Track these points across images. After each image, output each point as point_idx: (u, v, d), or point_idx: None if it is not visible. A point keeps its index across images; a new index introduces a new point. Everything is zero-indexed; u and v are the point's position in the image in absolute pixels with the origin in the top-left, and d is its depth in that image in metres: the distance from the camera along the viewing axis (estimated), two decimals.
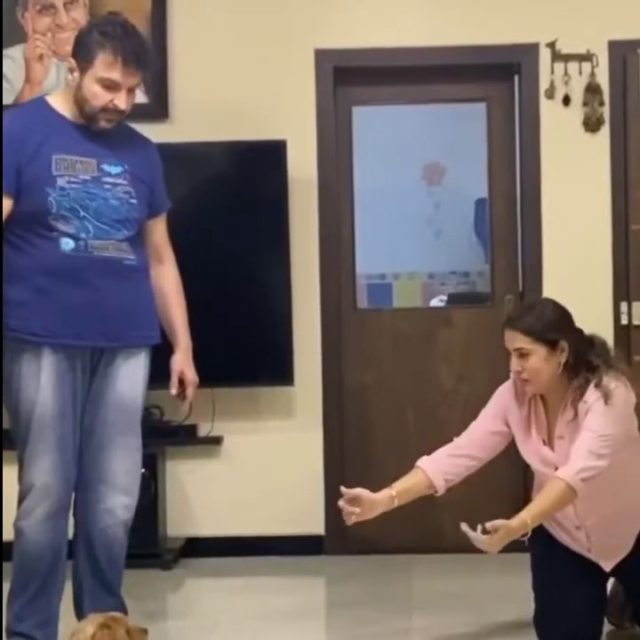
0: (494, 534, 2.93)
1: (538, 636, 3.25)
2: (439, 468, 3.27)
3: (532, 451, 3.25)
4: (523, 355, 3.17)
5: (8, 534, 3.31)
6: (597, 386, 3.11)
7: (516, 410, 3.28)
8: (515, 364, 3.21)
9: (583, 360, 3.16)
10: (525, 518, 3.00)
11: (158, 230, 3.44)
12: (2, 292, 3.12)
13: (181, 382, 3.43)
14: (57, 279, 3.16)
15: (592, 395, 3.10)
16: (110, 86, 3.18)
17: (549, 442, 3.22)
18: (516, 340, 3.19)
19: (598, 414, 3.07)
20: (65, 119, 3.24)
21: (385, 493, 3.24)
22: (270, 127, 4.78)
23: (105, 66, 3.16)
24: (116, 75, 3.17)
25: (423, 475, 3.27)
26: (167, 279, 3.44)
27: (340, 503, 3.20)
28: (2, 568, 3.33)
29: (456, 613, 3.86)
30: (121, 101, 3.20)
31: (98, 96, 3.18)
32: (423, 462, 3.29)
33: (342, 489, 3.21)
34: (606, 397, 3.08)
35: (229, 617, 4.00)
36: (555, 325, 3.19)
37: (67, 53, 4.72)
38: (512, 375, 3.29)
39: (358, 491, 3.21)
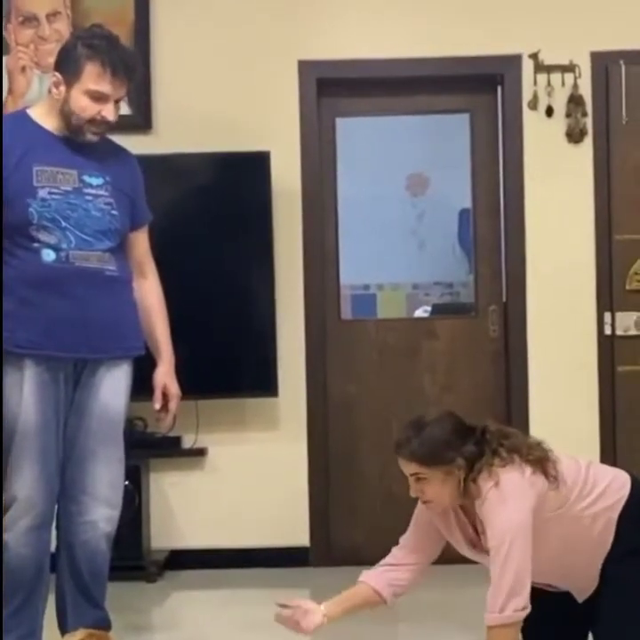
0: None
1: None
2: (382, 577, 3.13)
3: (468, 553, 3.18)
4: (419, 479, 2.98)
5: None
6: (467, 497, 2.94)
7: (440, 520, 3.10)
8: (413, 489, 3.01)
9: (479, 459, 2.96)
10: None
11: (140, 243, 3.44)
12: (1, 303, 3.12)
13: (164, 396, 3.42)
14: (39, 290, 3.16)
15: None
16: (99, 98, 3.18)
17: (478, 535, 3.13)
18: (408, 467, 2.99)
19: (487, 533, 2.92)
20: (46, 131, 3.23)
21: (317, 614, 3.06)
22: (254, 138, 4.79)
23: (94, 78, 3.16)
24: (105, 87, 3.18)
25: (367, 587, 3.12)
26: (149, 293, 3.43)
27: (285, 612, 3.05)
28: (1, 577, 3.31)
29: (442, 624, 3.86)
30: (109, 113, 3.21)
31: (86, 108, 3.18)
32: (364, 576, 3.15)
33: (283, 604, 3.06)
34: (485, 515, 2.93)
35: (214, 629, 3.99)
36: (446, 446, 2.95)
37: (49, 65, 4.73)
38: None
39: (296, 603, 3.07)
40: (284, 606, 3.07)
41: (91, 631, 2.76)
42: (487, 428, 3.03)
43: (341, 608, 3.13)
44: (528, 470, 2.95)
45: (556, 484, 2.97)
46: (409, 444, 2.99)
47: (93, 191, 3.23)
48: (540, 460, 2.98)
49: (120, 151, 3.41)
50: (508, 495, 2.91)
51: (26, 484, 3.16)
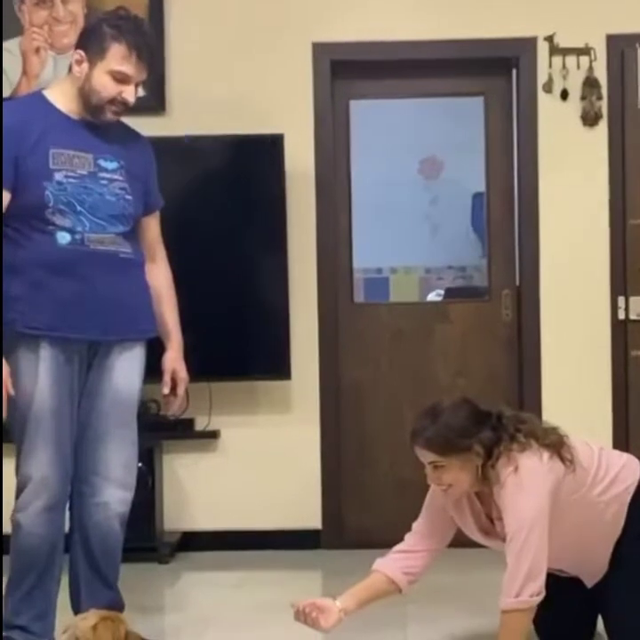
0: None
1: (537, 633, 3.25)
2: (396, 565, 3.14)
3: (479, 539, 3.17)
4: (437, 467, 2.98)
5: (7, 527, 3.31)
6: (485, 483, 2.96)
7: (453, 507, 3.12)
8: (431, 477, 3.02)
9: (496, 444, 2.98)
10: None
11: (151, 228, 3.44)
12: (1, 284, 3.12)
13: (173, 380, 3.43)
14: (53, 273, 3.16)
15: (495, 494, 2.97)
16: (121, 79, 3.19)
17: (491, 522, 3.09)
18: (425, 455, 2.99)
19: (505, 518, 2.93)
20: (62, 114, 3.23)
21: (333, 611, 3.06)
22: (267, 121, 4.78)
23: (118, 58, 3.17)
24: (128, 68, 3.18)
25: (381, 576, 3.13)
26: (159, 278, 3.43)
27: (303, 609, 3.04)
28: (1, 561, 3.33)
29: (452, 606, 3.87)
30: (129, 94, 3.21)
31: (107, 88, 3.18)
32: (378, 564, 3.17)
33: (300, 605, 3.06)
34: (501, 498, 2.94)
35: (226, 611, 4.00)
36: (463, 432, 2.94)
37: (64, 46, 4.77)
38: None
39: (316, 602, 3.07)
40: (298, 609, 3.07)
41: (104, 612, 2.76)
42: (502, 412, 3.03)
43: (357, 600, 3.13)
44: (546, 455, 2.95)
45: (572, 468, 2.97)
46: (425, 432, 2.98)
47: (108, 175, 3.24)
48: (557, 445, 2.99)
49: (134, 135, 3.40)
50: (527, 481, 2.91)
51: (40, 464, 3.17)
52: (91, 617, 2.68)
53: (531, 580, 2.90)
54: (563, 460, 2.98)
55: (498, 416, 3.03)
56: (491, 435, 2.98)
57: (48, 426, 3.17)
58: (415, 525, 3.22)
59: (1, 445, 3.35)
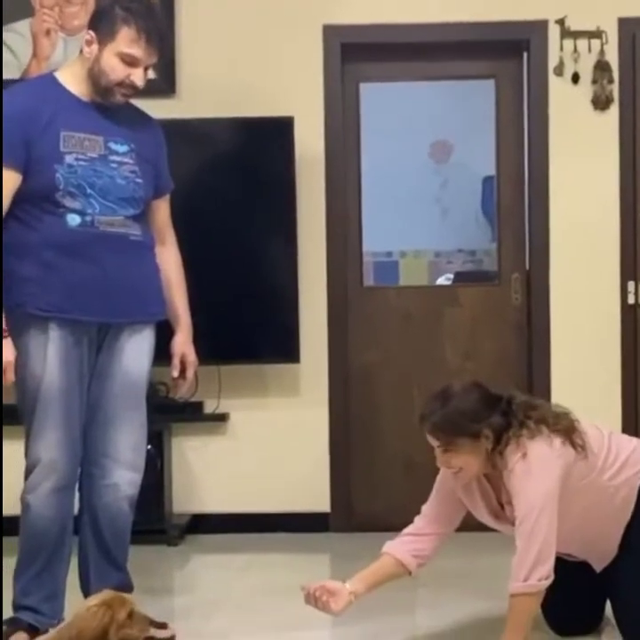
0: None
1: (544, 617, 3.26)
2: (405, 548, 3.15)
3: (489, 523, 3.15)
4: (446, 451, 2.98)
5: (9, 509, 3.32)
6: (494, 467, 2.97)
7: (463, 491, 3.13)
8: (440, 460, 3.02)
9: (506, 429, 2.98)
10: None
11: (161, 211, 3.45)
12: (1, 266, 3.12)
13: (182, 364, 3.45)
14: (63, 254, 3.16)
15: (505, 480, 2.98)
16: (130, 62, 3.19)
17: (501, 506, 3.09)
18: (434, 439, 2.99)
19: (515, 503, 2.94)
20: (73, 96, 3.23)
21: (344, 594, 3.08)
22: (277, 104, 4.77)
23: (128, 41, 3.17)
24: (137, 51, 3.18)
25: (391, 559, 3.15)
26: (168, 261, 3.44)
27: (314, 593, 3.06)
28: (1, 543, 3.34)
29: (462, 591, 3.88)
30: (138, 78, 3.21)
31: (116, 70, 3.18)
32: (387, 547, 3.18)
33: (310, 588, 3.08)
34: (511, 482, 2.94)
35: (234, 593, 4.01)
36: (472, 418, 2.94)
37: (74, 28, 4.77)
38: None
39: (325, 584, 3.08)
40: (308, 593, 3.09)
41: (109, 594, 2.76)
42: (513, 397, 3.03)
43: (366, 583, 3.14)
44: (557, 441, 2.95)
45: (584, 454, 2.97)
46: (434, 416, 2.98)
47: (118, 158, 3.24)
48: (568, 430, 2.99)
49: (145, 118, 3.41)
50: (535, 467, 2.91)
51: (49, 446, 3.18)
52: (92, 600, 2.69)
53: (540, 563, 2.91)
54: (574, 445, 2.98)
55: (508, 400, 3.02)
56: (501, 420, 2.98)
57: (57, 407, 3.18)
58: (424, 508, 3.23)
59: (1, 428, 3.35)
